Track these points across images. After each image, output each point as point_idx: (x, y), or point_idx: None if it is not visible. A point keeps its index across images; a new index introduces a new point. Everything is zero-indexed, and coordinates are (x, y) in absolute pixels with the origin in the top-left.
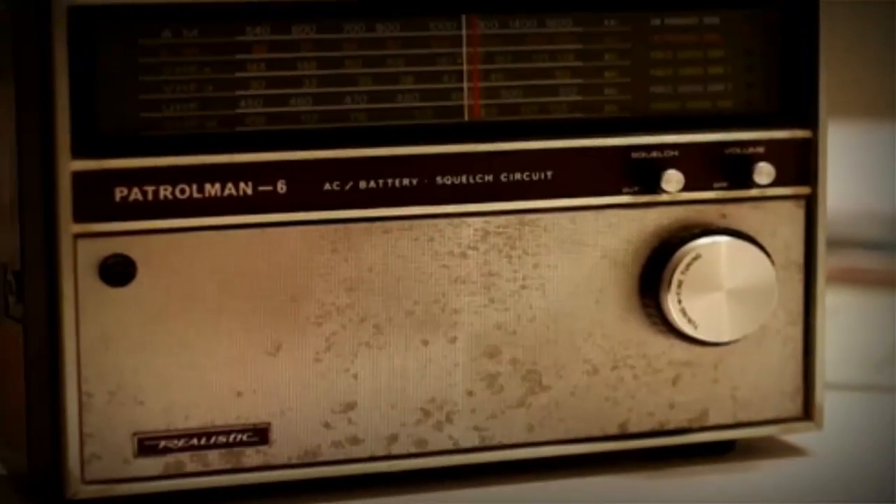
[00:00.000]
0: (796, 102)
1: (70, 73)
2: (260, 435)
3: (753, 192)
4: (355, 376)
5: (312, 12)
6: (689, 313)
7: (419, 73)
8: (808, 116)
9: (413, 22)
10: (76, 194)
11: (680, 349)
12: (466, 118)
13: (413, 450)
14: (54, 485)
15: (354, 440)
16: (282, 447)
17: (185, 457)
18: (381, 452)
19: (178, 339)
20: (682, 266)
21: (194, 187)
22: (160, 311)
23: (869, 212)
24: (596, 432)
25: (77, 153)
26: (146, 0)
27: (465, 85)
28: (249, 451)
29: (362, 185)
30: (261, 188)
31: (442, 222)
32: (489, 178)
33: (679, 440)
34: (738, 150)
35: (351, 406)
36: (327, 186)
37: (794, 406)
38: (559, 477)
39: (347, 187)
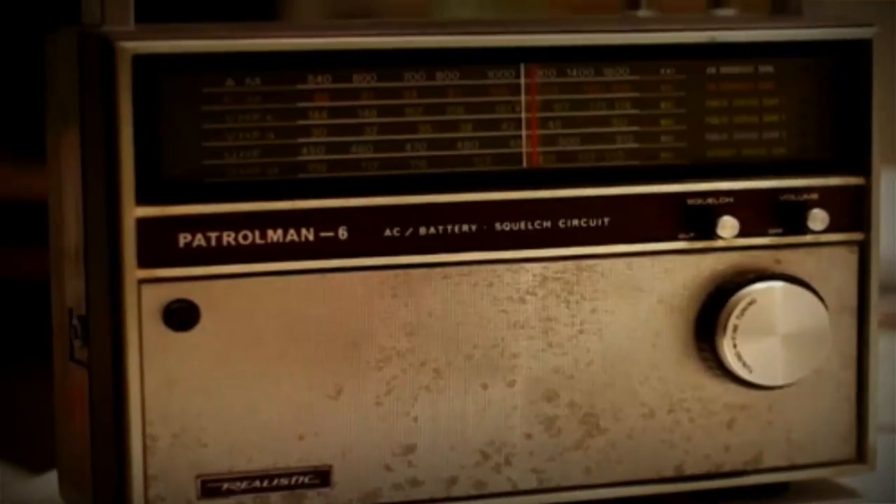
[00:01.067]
0: (849, 150)
1: (134, 121)
2: (321, 477)
3: (807, 238)
4: (415, 419)
5: (373, 61)
6: (745, 357)
7: (478, 121)
8: (861, 164)
9: (472, 70)
10: (140, 240)
11: (735, 392)
12: (525, 165)
13: (472, 492)
14: None
15: (414, 482)
16: (343, 489)
17: (247, 499)
18: (441, 494)
19: (240, 383)
20: (737, 311)
21: (257, 233)
22: (223, 355)
23: None
24: (652, 474)
25: (141, 200)
26: (209, 49)
27: (524, 132)
28: (311, 493)
29: (422, 231)
30: (322, 234)
31: (501, 268)
32: (547, 224)
33: (734, 482)
34: (792, 197)
35: (411, 448)
36: (388, 232)
37: (847, 448)
38: None
39: (408, 233)
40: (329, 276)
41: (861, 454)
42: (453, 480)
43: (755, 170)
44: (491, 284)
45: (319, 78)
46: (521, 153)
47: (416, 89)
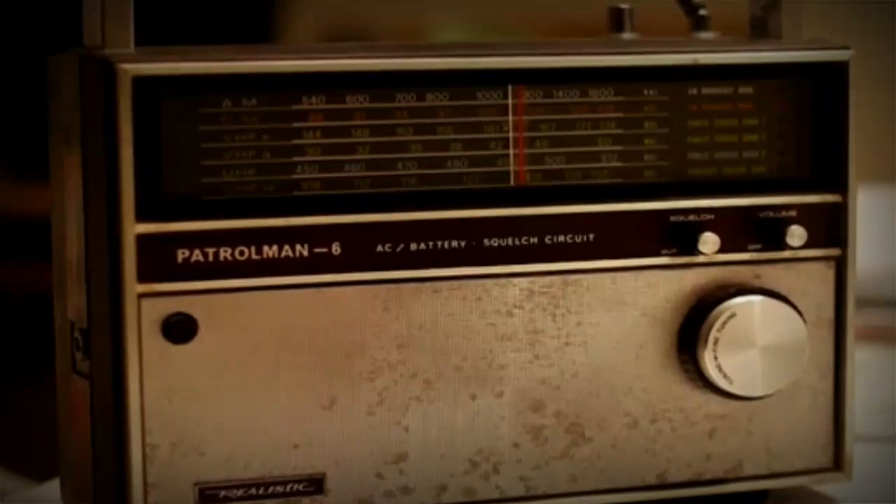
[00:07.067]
0: (827, 168)
1: (134, 140)
2: (315, 485)
3: (786, 254)
4: (406, 429)
5: (366, 82)
6: (725, 369)
7: (467, 141)
8: (837, 181)
9: (462, 91)
10: (140, 256)
11: (716, 403)
12: (512, 183)
13: (462, 499)
14: None
15: (406, 490)
16: (336, 497)
17: None
18: (432, 501)
19: (238, 394)
20: (717, 324)
21: (253, 249)
22: (221, 366)
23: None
24: (636, 482)
25: (141, 216)
26: (207, 70)
27: (511, 151)
28: (305, 500)
29: (413, 246)
30: (316, 250)
31: (489, 282)
32: (534, 240)
33: (715, 490)
34: (771, 214)
35: (402, 457)
36: (380, 248)
37: (824, 457)
38: None
39: (399, 249)
40: (323, 290)
41: (838, 462)
42: (443, 488)
43: (735, 187)
44: (479, 298)
45: (314, 99)
46: (508, 171)
47: (407, 110)
